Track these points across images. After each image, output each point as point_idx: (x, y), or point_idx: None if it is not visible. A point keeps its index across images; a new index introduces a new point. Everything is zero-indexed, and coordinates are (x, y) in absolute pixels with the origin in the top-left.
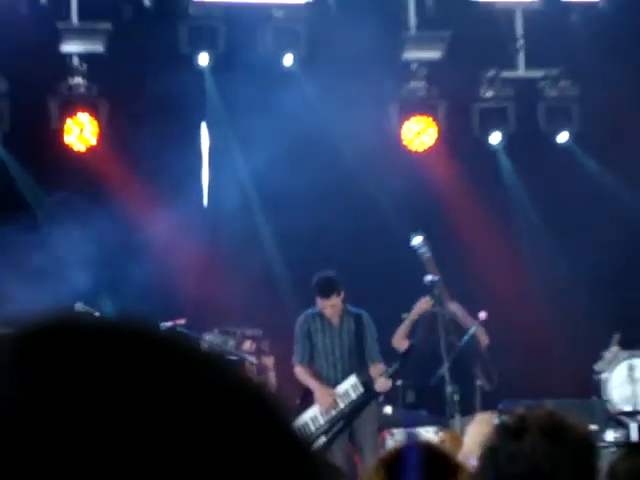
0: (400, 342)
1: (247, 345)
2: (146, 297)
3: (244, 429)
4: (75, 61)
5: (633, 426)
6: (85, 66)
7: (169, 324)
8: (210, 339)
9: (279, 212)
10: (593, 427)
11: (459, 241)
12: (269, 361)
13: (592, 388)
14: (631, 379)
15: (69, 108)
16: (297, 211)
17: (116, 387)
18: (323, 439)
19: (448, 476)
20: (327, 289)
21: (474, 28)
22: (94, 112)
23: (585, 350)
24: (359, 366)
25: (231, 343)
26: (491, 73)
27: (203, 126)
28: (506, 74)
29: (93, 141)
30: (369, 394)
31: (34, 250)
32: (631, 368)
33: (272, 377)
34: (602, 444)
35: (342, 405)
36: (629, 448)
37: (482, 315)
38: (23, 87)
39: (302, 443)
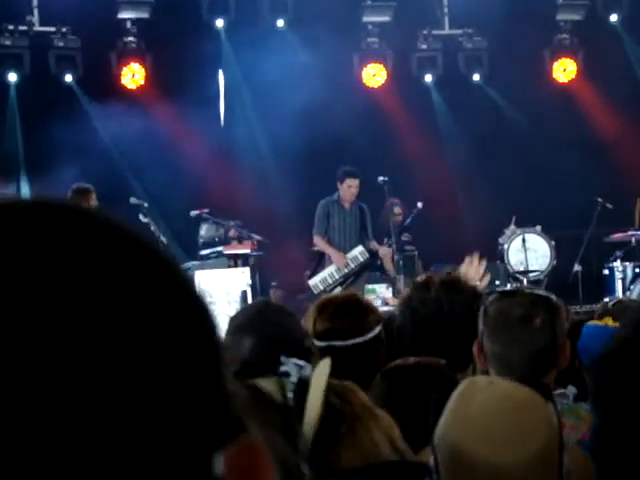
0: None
1: (232, 232)
2: (178, 192)
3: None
4: (128, 24)
5: (524, 281)
6: (135, 28)
7: (196, 212)
8: (206, 227)
9: (274, 129)
10: (497, 282)
11: (401, 150)
12: (249, 244)
13: (497, 255)
14: (524, 248)
15: (124, 58)
16: (287, 128)
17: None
18: (339, 289)
19: (364, 314)
20: (356, 172)
21: None
22: (142, 61)
23: (492, 228)
24: (362, 240)
25: (221, 230)
26: (425, 31)
27: (220, 73)
28: (435, 32)
29: (142, 82)
30: (372, 258)
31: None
32: (524, 240)
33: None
34: (486, 292)
35: (353, 265)
36: (499, 294)
37: (419, 205)
38: (91, 44)
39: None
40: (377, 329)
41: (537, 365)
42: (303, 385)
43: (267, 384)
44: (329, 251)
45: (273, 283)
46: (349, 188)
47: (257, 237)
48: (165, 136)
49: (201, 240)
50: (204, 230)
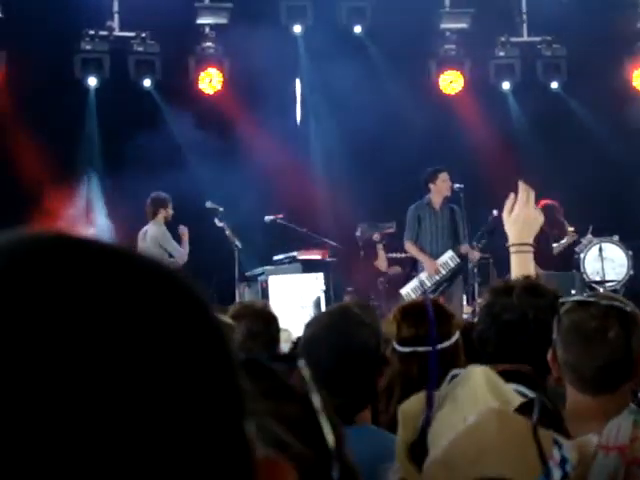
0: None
1: (376, 236)
2: (252, 197)
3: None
4: (207, 30)
5: (601, 291)
6: (214, 33)
7: (271, 217)
8: (361, 229)
9: (349, 134)
10: (573, 292)
11: (477, 158)
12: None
13: (573, 264)
14: (600, 258)
15: (202, 64)
16: (363, 134)
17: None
18: (431, 296)
19: (447, 320)
20: (442, 168)
21: (491, 5)
22: (220, 67)
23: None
24: (452, 244)
25: (374, 231)
26: (503, 38)
27: (297, 82)
28: (513, 39)
29: (218, 87)
30: (463, 263)
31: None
32: (601, 249)
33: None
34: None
35: (444, 272)
36: (574, 303)
37: (494, 212)
38: (170, 49)
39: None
40: (457, 334)
41: (610, 377)
42: None
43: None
44: (420, 257)
45: (349, 288)
46: (444, 182)
47: (331, 243)
48: (241, 141)
49: (360, 242)
50: (359, 232)
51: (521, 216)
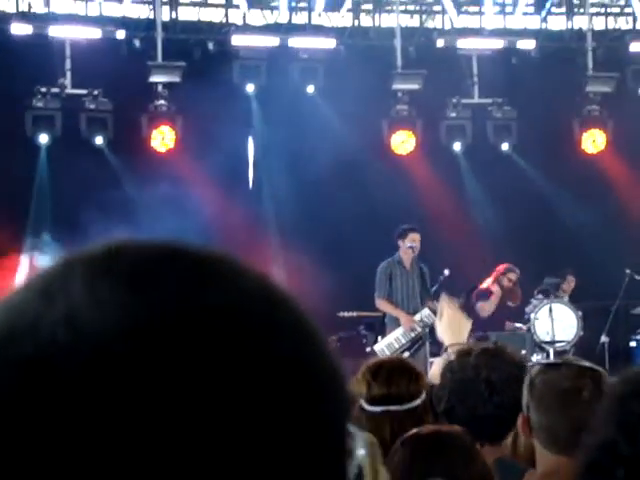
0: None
1: None
2: None
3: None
4: (159, 88)
5: (551, 351)
6: (167, 92)
7: None
8: None
9: (302, 193)
10: (523, 352)
11: (429, 217)
12: None
13: (524, 324)
14: (550, 318)
15: (155, 122)
16: (315, 193)
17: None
18: (406, 354)
19: (417, 379)
20: (416, 227)
21: (443, 67)
22: (172, 125)
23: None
24: (423, 301)
25: None
26: (454, 99)
27: (250, 140)
28: (465, 101)
29: (171, 145)
30: None
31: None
32: (551, 310)
33: None
34: (529, 364)
35: (419, 329)
36: (545, 366)
37: (446, 272)
38: (123, 107)
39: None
40: (424, 393)
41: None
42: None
43: None
44: (396, 313)
45: None
46: (413, 242)
47: None
48: (193, 199)
49: None
50: None
51: (452, 320)
